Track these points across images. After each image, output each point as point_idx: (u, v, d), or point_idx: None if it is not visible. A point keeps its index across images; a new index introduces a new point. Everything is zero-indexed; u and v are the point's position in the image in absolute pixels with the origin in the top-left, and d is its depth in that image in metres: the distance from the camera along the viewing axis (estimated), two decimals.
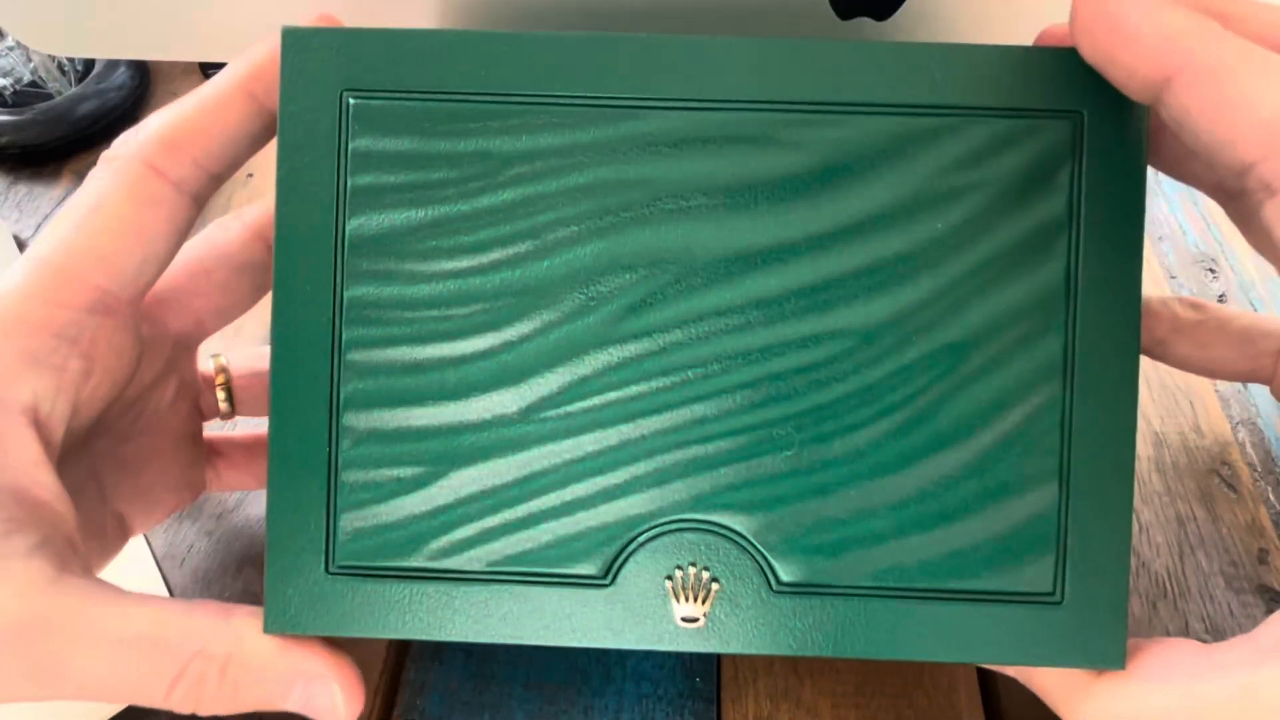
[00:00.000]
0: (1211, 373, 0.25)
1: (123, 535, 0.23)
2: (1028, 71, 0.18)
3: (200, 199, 0.20)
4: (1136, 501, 0.28)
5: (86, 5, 0.26)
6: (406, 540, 0.19)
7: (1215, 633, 0.25)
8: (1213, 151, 0.15)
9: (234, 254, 0.23)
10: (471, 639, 0.19)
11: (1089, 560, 0.18)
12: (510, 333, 0.19)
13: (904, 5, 0.25)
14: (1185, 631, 0.25)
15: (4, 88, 0.42)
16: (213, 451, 0.26)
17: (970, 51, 0.18)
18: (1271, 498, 0.28)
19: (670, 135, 0.19)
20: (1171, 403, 0.30)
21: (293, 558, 0.19)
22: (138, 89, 0.44)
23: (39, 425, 0.18)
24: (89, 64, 0.43)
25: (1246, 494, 0.28)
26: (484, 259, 0.19)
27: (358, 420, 0.19)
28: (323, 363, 0.19)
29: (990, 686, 0.24)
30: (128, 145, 0.19)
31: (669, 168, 0.19)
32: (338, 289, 0.19)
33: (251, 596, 0.20)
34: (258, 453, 0.26)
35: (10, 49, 0.42)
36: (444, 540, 0.19)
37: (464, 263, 0.19)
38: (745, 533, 0.19)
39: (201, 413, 0.25)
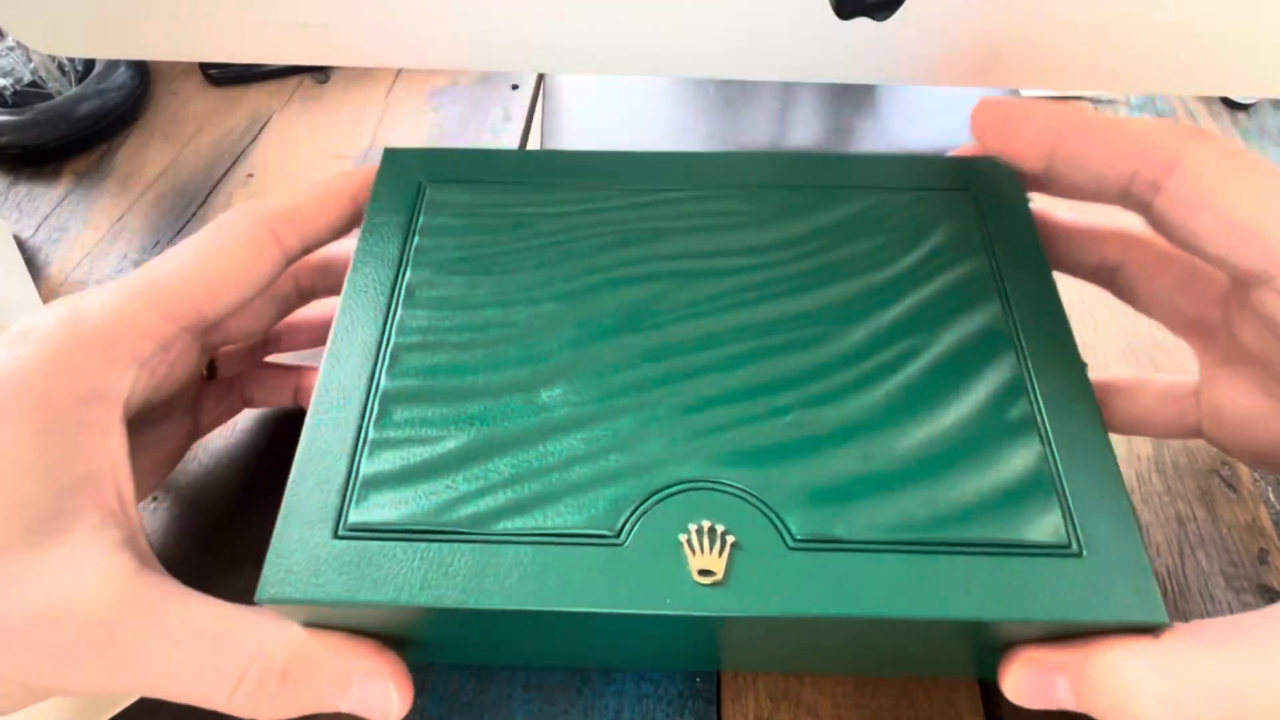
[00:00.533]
0: (1148, 427, 0.25)
1: None
2: (943, 167, 0.26)
3: (290, 264, 0.24)
4: (1136, 501, 0.28)
5: (86, 5, 0.26)
6: (416, 506, 0.19)
7: None
8: (1103, 175, 0.21)
9: (272, 287, 0.26)
10: (473, 605, 0.18)
11: (1093, 512, 0.19)
12: (533, 331, 0.22)
13: (902, 6, 0.25)
14: None
15: (4, 88, 0.42)
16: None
17: (907, 159, 0.26)
18: (1271, 498, 0.28)
19: (671, 213, 0.25)
20: None
21: (302, 518, 0.19)
22: (138, 89, 0.44)
23: (127, 421, 0.20)
24: (89, 64, 0.43)
25: (1246, 494, 0.28)
26: (519, 289, 0.23)
27: (391, 406, 0.21)
28: (368, 358, 0.22)
29: (990, 686, 0.24)
30: (257, 210, 0.24)
31: (669, 238, 0.24)
32: (397, 286, 0.23)
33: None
34: (226, 397, 0.28)
35: (10, 49, 0.42)
36: (455, 506, 0.19)
37: (501, 291, 0.23)
38: (754, 490, 0.19)
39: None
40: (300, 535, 0.19)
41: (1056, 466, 0.20)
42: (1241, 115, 0.44)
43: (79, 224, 0.38)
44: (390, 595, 0.18)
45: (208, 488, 0.29)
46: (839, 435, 0.20)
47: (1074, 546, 0.19)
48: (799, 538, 0.19)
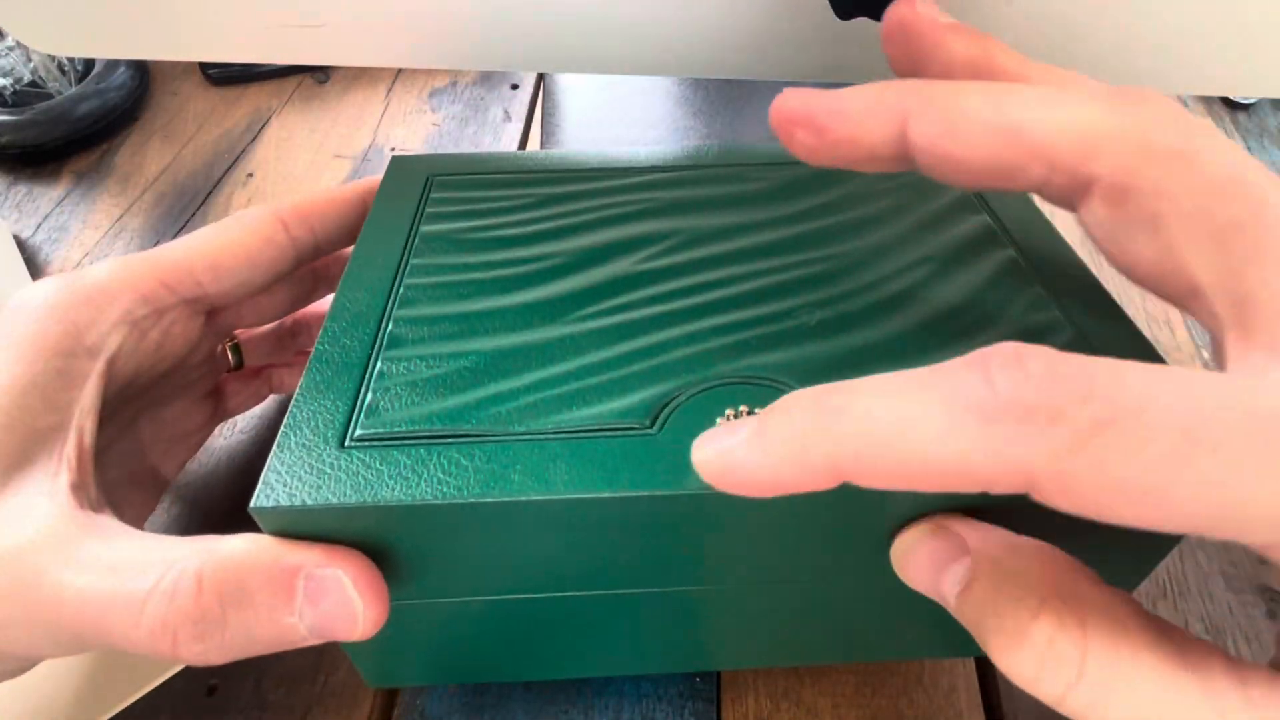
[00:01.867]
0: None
1: (160, 485, 0.26)
2: None
3: (300, 257, 0.25)
4: None
5: (86, 5, 0.26)
6: (432, 415, 0.18)
7: (1215, 633, 0.25)
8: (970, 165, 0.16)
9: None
10: (496, 497, 0.17)
11: (1107, 340, 0.20)
12: (549, 271, 0.23)
13: None
14: None
15: (4, 88, 0.42)
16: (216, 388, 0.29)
17: None
18: None
19: (676, 189, 0.26)
20: None
21: (305, 435, 0.18)
22: (138, 89, 0.44)
23: (107, 377, 0.21)
24: (89, 64, 0.43)
25: None
26: (531, 244, 0.24)
27: (404, 331, 0.21)
28: (380, 293, 0.22)
29: (990, 686, 0.24)
30: (272, 204, 0.25)
31: (677, 208, 0.25)
32: (410, 237, 0.24)
33: None
34: (253, 382, 0.30)
35: (10, 49, 0.42)
36: (473, 410, 0.18)
37: (513, 247, 0.24)
38: (787, 379, 0.19)
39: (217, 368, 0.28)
40: (302, 450, 0.18)
41: (1066, 315, 0.21)
42: (1241, 115, 0.44)
43: (79, 224, 0.39)
44: (404, 495, 0.16)
45: (208, 487, 0.29)
46: (866, 328, 0.21)
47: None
48: None
